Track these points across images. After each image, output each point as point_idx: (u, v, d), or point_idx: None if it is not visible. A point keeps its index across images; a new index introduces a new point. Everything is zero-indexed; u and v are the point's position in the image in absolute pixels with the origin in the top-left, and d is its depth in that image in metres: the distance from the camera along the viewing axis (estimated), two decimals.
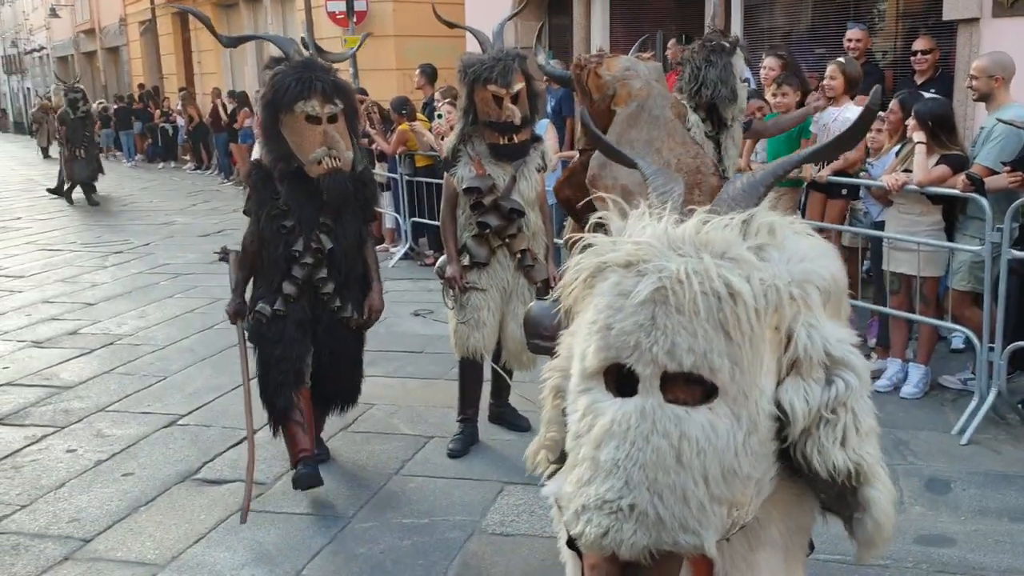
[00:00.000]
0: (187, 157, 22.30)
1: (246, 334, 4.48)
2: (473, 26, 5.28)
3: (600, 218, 1.73)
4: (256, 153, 4.77)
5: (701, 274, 1.52)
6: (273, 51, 4.49)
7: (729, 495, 1.55)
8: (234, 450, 5.17)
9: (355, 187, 4.35)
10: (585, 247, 1.67)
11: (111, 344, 7.41)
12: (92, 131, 16.66)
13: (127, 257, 11.30)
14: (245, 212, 4.45)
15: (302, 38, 4.79)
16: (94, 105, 17.52)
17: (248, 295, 4.52)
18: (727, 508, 1.56)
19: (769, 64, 7.37)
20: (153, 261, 10.95)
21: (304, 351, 4.42)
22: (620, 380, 1.60)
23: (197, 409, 5.85)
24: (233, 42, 4.94)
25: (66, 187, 16.44)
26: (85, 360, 6.99)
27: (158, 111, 23.07)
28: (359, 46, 6.00)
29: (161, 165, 22.57)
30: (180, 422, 5.65)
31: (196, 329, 7.73)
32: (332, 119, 4.19)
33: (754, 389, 1.56)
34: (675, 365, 1.52)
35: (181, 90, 22.25)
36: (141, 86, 26.00)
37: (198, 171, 21.21)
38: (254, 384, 4.48)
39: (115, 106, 24.78)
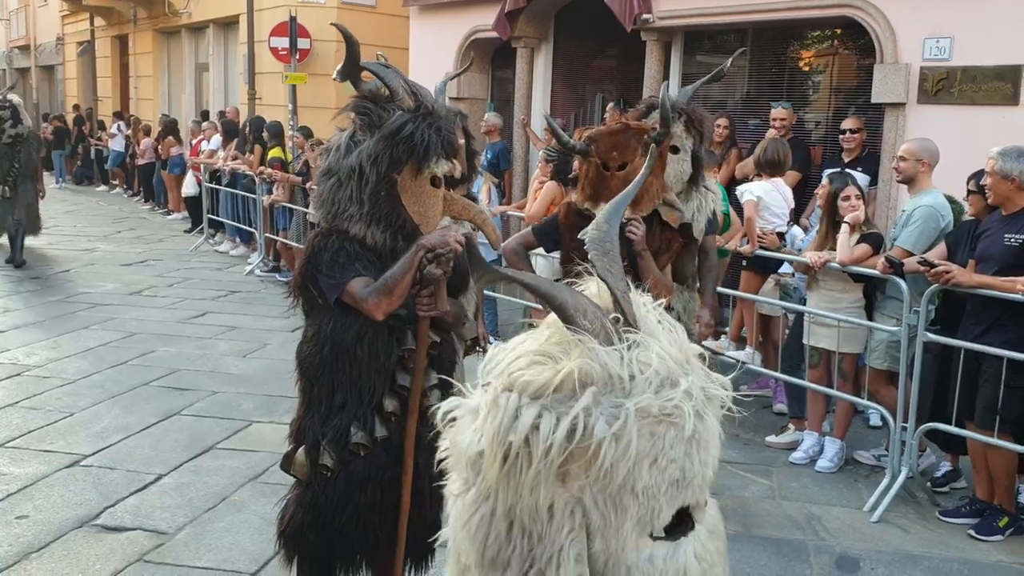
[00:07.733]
0: (115, 181, 21.81)
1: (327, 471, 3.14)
2: (416, 78, 5.27)
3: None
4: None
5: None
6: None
7: None
8: (137, 496, 4.98)
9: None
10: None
11: (18, 375, 7.12)
12: (27, 163, 11.82)
13: (45, 283, 10.94)
14: (312, 305, 3.25)
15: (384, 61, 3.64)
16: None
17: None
18: None
19: (723, 123, 8.13)
20: (71, 289, 10.60)
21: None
22: None
23: (102, 450, 5.62)
24: (344, 75, 3.47)
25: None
26: None
27: (93, 133, 22.55)
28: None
29: (102, 188, 21.97)
30: (83, 463, 5.43)
31: (109, 364, 7.48)
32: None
33: None
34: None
35: (117, 114, 21.79)
36: (76, 107, 25.46)
37: (125, 196, 20.74)
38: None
39: (50, 125, 24.12)
